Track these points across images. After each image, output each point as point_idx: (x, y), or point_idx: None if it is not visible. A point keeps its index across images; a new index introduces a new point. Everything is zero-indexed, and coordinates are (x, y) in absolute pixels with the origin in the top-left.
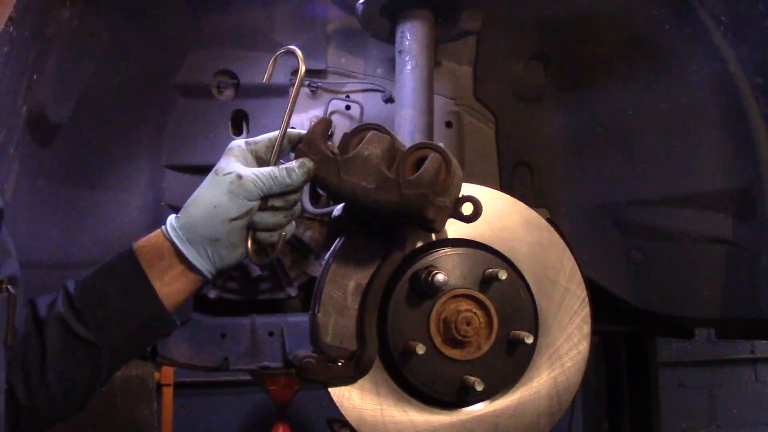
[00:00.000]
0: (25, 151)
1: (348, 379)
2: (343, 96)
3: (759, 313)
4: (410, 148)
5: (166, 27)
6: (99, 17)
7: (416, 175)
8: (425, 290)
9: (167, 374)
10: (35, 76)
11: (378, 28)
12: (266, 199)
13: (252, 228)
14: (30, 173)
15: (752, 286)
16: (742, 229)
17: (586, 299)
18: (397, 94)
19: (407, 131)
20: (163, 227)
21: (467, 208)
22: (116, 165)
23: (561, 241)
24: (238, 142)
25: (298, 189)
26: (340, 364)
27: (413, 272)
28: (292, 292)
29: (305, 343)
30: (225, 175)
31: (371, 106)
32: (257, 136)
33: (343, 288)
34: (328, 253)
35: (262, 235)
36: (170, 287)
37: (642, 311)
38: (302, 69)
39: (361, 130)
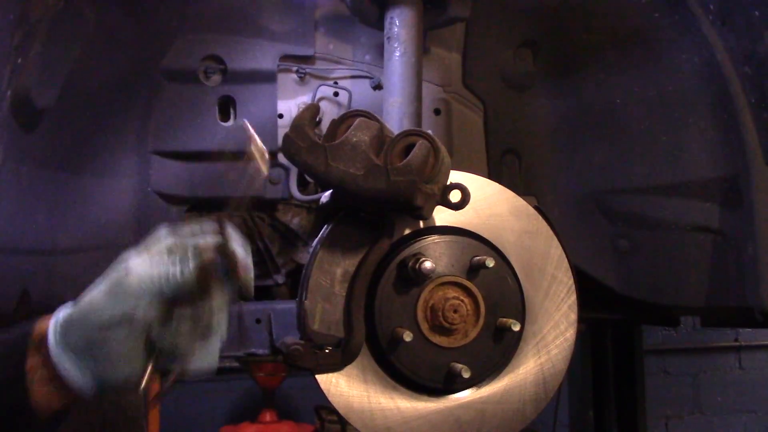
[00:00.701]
0: (9, 135)
1: (335, 366)
2: (332, 82)
3: (744, 301)
4: (398, 135)
5: (154, 11)
6: (86, 1)
7: (404, 161)
8: (413, 277)
9: None
10: (20, 60)
11: (367, 14)
12: (170, 305)
13: (150, 345)
14: (15, 158)
15: (738, 275)
16: (728, 217)
17: (573, 287)
18: (385, 81)
19: (396, 118)
20: (53, 319)
21: (455, 196)
22: (103, 150)
23: (548, 229)
24: (164, 230)
25: (195, 291)
26: (327, 351)
27: (401, 259)
28: (280, 279)
29: (293, 330)
30: (120, 264)
31: (359, 93)
32: (243, 122)
33: (331, 275)
34: (316, 240)
35: (162, 358)
36: (40, 388)
37: (628, 299)
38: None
39: (349, 116)
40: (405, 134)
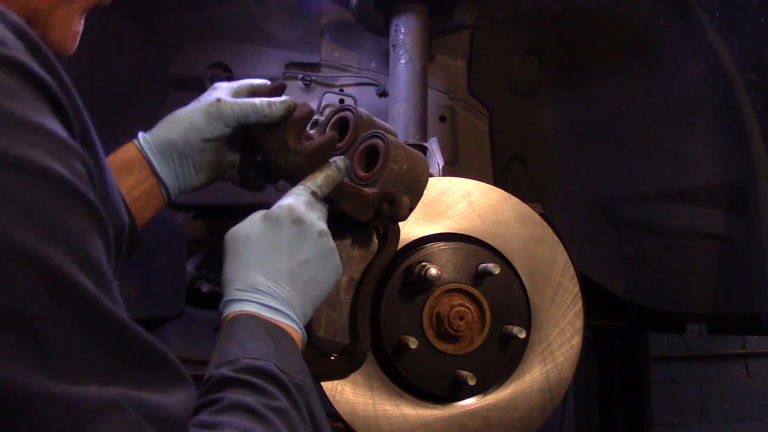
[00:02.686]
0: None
1: (340, 373)
2: (337, 89)
3: (751, 308)
4: (365, 134)
5: (160, 18)
6: (92, 9)
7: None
8: (418, 285)
9: None
10: None
11: (372, 22)
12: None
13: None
14: None
15: (744, 282)
16: (734, 224)
17: (579, 294)
18: (391, 88)
19: (401, 125)
20: (134, 140)
21: (392, 206)
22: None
23: (554, 235)
24: (222, 83)
25: (274, 122)
26: (332, 358)
27: (406, 266)
28: None
29: None
30: (205, 100)
31: (365, 100)
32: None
33: (336, 282)
34: None
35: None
36: (139, 202)
37: (634, 306)
38: None
39: (336, 110)
40: (370, 135)
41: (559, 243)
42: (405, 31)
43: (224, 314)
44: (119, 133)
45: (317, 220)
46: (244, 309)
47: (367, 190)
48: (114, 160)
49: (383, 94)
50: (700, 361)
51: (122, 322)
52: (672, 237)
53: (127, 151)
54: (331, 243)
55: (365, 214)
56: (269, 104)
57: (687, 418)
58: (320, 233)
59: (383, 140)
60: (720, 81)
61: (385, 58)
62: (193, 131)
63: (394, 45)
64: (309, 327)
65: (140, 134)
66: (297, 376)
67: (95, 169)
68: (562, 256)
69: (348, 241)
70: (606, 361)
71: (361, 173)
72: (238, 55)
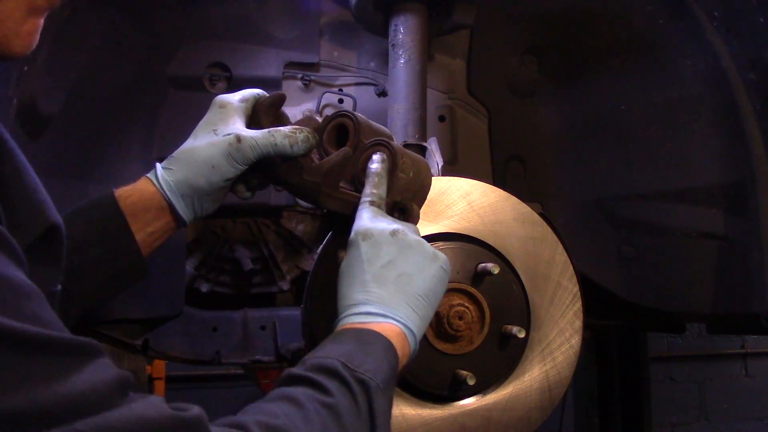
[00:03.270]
0: (16, 143)
1: None
2: (336, 89)
3: (750, 308)
4: (369, 142)
5: (159, 18)
6: (91, 8)
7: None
8: None
9: (159, 368)
10: (26, 67)
11: (371, 22)
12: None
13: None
14: None
15: (743, 281)
16: (733, 224)
17: (578, 294)
18: (390, 88)
19: (400, 125)
20: (154, 180)
21: (403, 215)
22: (108, 158)
23: (553, 235)
24: (230, 99)
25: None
26: None
27: None
28: (285, 286)
29: (297, 337)
30: (225, 135)
31: (364, 100)
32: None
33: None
34: (321, 246)
35: (239, 188)
36: (151, 237)
37: (633, 306)
38: None
39: (333, 116)
40: (373, 143)
41: (559, 243)
42: (404, 31)
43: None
44: (118, 133)
45: (387, 225)
46: (343, 324)
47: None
48: (132, 196)
49: (382, 93)
50: (699, 361)
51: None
52: (671, 237)
53: (145, 189)
54: (411, 237)
55: None
56: (291, 144)
57: (686, 418)
58: (393, 233)
59: (389, 149)
60: (719, 80)
61: (384, 58)
62: (216, 174)
63: (393, 45)
64: (309, 327)
65: (159, 173)
66: (366, 373)
67: (14, 175)
68: (561, 256)
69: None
70: (605, 360)
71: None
72: (237, 55)
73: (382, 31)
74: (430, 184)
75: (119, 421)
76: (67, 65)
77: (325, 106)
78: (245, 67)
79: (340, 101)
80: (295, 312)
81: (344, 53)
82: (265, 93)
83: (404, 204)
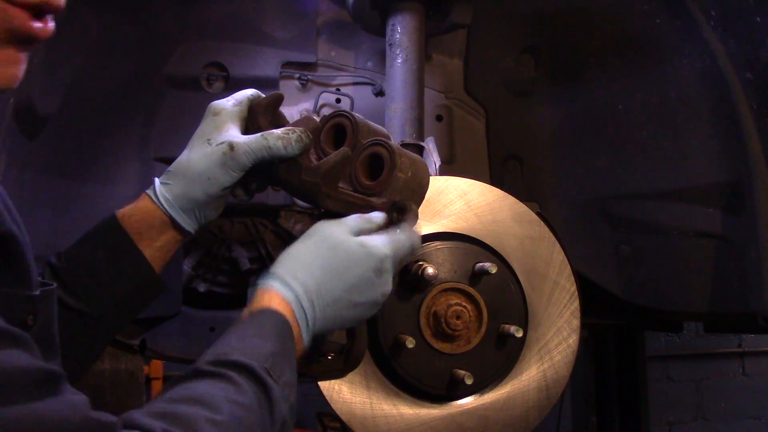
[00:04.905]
0: (12, 143)
1: (338, 372)
2: (334, 89)
3: (747, 307)
4: (367, 142)
5: (156, 18)
6: (88, 8)
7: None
8: (415, 284)
9: (156, 368)
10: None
11: (369, 21)
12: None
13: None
14: (18, 165)
15: (741, 280)
16: (731, 223)
17: (576, 293)
18: (387, 88)
19: (397, 124)
20: (153, 197)
21: (401, 215)
22: (105, 157)
23: (551, 234)
24: (224, 104)
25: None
26: (329, 357)
27: (403, 266)
28: None
29: None
30: (218, 145)
31: (362, 100)
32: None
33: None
34: None
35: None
36: (159, 251)
37: (631, 305)
38: None
39: (330, 116)
40: (372, 143)
41: (556, 242)
42: (401, 31)
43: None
44: (115, 132)
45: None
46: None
47: (374, 200)
48: (134, 215)
49: (380, 93)
50: (696, 360)
51: None
52: (668, 236)
53: (145, 206)
54: (354, 247)
55: None
56: (285, 146)
57: (683, 416)
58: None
59: (387, 149)
60: (716, 80)
61: (381, 58)
62: (213, 186)
63: (390, 44)
64: None
65: (157, 188)
66: (284, 387)
67: None
68: (558, 255)
69: None
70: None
71: (366, 182)
72: (234, 55)
73: (379, 30)
74: (428, 184)
75: (19, 417)
76: (64, 64)
77: (323, 105)
78: (242, 67)
79: (338, 101)
80: None
81: (341, 53)
82: (260, 93)
83: (402, 204)
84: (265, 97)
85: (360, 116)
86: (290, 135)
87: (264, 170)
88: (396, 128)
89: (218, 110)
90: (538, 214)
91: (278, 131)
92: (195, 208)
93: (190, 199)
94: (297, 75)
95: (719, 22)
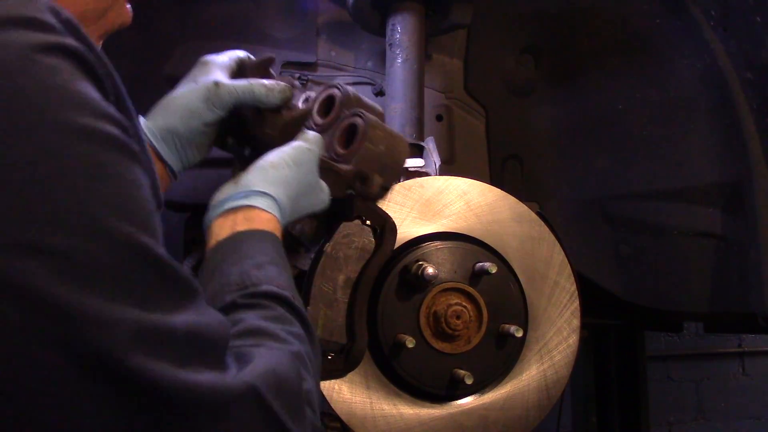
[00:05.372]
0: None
1: (338, 372)
2: None
3: (747, 307)
4: (348, 112)
5: (156, 18)
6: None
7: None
8: (415, 284)
9: None
10: None
11: (369, 21)
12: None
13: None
14: None
15: (741, 280)
16: (731, 223)
17: (576, 293)
18: (387, 88)
19: (398, 124)
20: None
21: (363, 184)
22: None
23: (551, 234)
24: (214, 56)
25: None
26: (329, 357)
27: (403, 266)
28: None
29: None
30: (204, 83)
31: None
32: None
33: (333, 281)
34: (318, 246)
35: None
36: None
37: (631, 305)
38: None
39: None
40: (352, 113)
41: (556, 242)
42: (401, 31)
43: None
44: None
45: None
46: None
47: (341, 166)
48: None
49: (380, 93)
50: (696, 360)
51: (159, 254)
52: (668, 236)
53: None
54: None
55: (338, 190)
56: (267, 92)
57: (684, 417)
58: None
59: (363, 119)
60: (716, 80)
61: (381, 58)
62: (194, 118)
63: (390, 44)
64: None
65: (142, 120)
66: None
67: (135, 134)
68: (559, 255)
69: (344, 240)
70: (603, 359)
71: (340, 150)
72: None
73: (379, 30)
74: (404, 162)
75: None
76: None
77: None
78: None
79: None
80: None
81: (342, 53)
82: (248, 55)
83: (366, 173)
84: (256, 59)
85: (354, 90)
86: (275, 86)
87: (241, 122)
88: (396, 128)
89: (208, 60)
90: (538, 214)
91: (264, 80)
92: (176, 142)
93: (170, 130)
94: (297, 75)
95: (719, 21)
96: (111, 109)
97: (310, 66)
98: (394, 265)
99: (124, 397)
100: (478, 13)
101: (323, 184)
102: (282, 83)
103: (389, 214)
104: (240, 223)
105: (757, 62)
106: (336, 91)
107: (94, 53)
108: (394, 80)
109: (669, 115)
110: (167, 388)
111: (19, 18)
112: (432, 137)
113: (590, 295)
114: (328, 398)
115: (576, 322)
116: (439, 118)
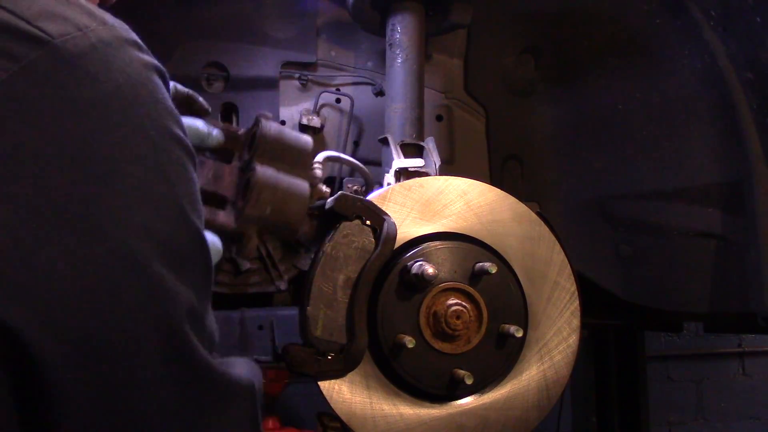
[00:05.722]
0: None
1: (337, 372)
2: (334, 89)
3: (747, 306)
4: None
5: (156, 18)
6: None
7: None
8: (415, 284)
9: None
10: None
11: (369, 21)
12: None
13: None
14: None
15: (740, 280)
16: (731, 223)
17: (576, 293)
18: (387, 88)
19: (398, 124)
20: None
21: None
22: None
23: (551, 234)
24: None
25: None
26: (329, 357)
27: (403, 266)
28: (282, 285)
29: (295, 337)
30: None
31: (362, 99)
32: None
33: (333, 281)
34: (318, 246)
35: None
36: None
37: (631, 305)
38: None
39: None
40: (253, 124)
41: (556, 242)
42: (401, 31)
43: None
44: None
45: None
46: None
47: (222, 221)
48: None
49: (380, 93)
50: (696, 360)
51: (207, 250)
52: (668, 236)
53: None
54: None
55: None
56: (208, 133)
57: (683, 417)
58: None
59: (255, 176)
60: (716, 80)
61: (381, 58)
62: None
63: (390, 44)
64: (306, 326)
65: None
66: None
67: None
68: (558, 255)
69: (344, 240)
70: (603, 359)
71: (239, 201)
72: (234, 55)
73: (379, 30)
74: (297, 223)
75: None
76: None
77: (323, 105)
78: (242, 67)
79: (338, 101)
80: (293, 311)
81: (341, 53)
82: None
83: (245, 233)
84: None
85: (276, 128)
86: (216, 132)
87: None
88: (396, 128)
89: None
90: (538, 214)
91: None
92: None
93: None
94: (297, 75)
95: (719, 21)
96: (182, 120)
97: (310, 66)
98: (394, 265)
99: (186, 371)
100: (478, 13)
101: (210, 236)
102: (218, 132)
103: (389, 213)
104: None
105: (757, 62)
106: (255, 128)
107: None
108: (394, 80)
109: (669, 115)
110: (207, 367)
111: (132, 41)
112: (432, 137)
113: (590, 295)
114: (328, 398)
115: (576, 322)
116: (439, 118)
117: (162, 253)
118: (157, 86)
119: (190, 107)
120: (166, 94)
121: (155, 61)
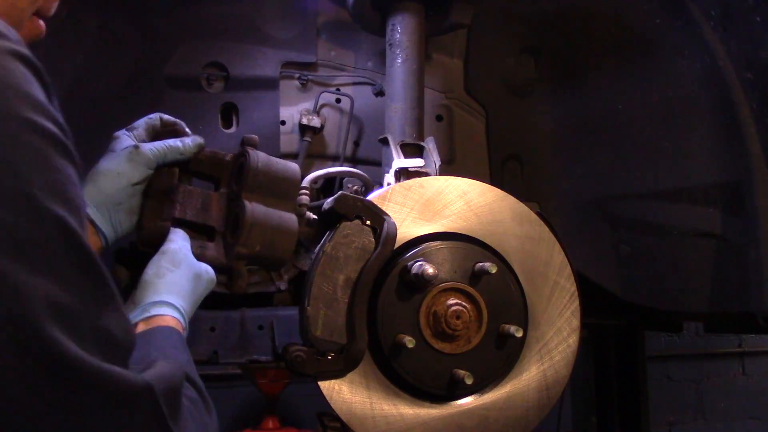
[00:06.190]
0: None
1: (337, 372)
2: (334, 89)
3: (747, 307)
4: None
5: (156, 18)
6: (88, 8)
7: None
8: (415, 284)
9: None
10: None
11: (369, 21)
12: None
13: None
14: None
15: (741, 280)
16: (731, 223)
17: (576, 293)
18: (387, 88)
19: (398, 125)
20: None
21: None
22: None
23: (551, 235)
24: (121, 132)
25: (187, 160)
26: (329, 357)
27: (403, 266)
28: (282, 285)
29: (295, 337)
30: (122, 150)
31: (362, 100)
32: (246, 127)
33: (333, 281)
34: (318, 246)
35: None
36: None
37: (631, 305)
38: None
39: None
40: (239, 154)
41: (556, 242)
42: (401, 31)
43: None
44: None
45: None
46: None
47: (210, 255)
48: None
49: (380, 93)
50: (696, 360)
51: (84, 243)
52: (668, 236)
53: None
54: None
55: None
56: (183, 143)
57: (684, 417)
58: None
59: (245, 213)
60: (716, 80)
61: (381, 58)
62: (122, 178)
63: (390, 44)
64: (306, 326)
65: None
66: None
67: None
68: (558, 255)
69: (344, 240)
70: (603, 359)
71: (228, 236)
72: (234, 55)
73: (379, 30)
74: (286, 256)
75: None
76: (64, 65)
77: (323, 105)
78: (242, 67)
79: (338, 101)
80: (293, 311)
81: (342, 53)
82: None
83: (234, 269)
84: (167, 122)
85: (263, 159)
86: (188, 138)
87: (132, 249)
88: (396, 128)
89: (120, 134)
90: (538, 214)
91: (178, 139)
92: (108, 206)
93: (100, 191)
94: (297, 75)
95: (719, 22)
96: (54, 112)
97: (310, 66)
98: (394, 265)
99: (40, 365)
100: (478, 13)
101: (203, 266)
102: (196, 137)
103: (389, 213)
104: (142, 328)
105: (757, 62)
106: (243, 160)
107: (41, 63)
108: (394, 80)
109: (669, 115)
110: (80, 368)
111: None
112: (432, 137)
113: (590, 295)
114: (328, 398)
115: (576, 322)
116: (439, 118)
117: (7, 246)
118: (10, 72)
119: (175, 133)
120: (28, 80)
121: (19, 48)
